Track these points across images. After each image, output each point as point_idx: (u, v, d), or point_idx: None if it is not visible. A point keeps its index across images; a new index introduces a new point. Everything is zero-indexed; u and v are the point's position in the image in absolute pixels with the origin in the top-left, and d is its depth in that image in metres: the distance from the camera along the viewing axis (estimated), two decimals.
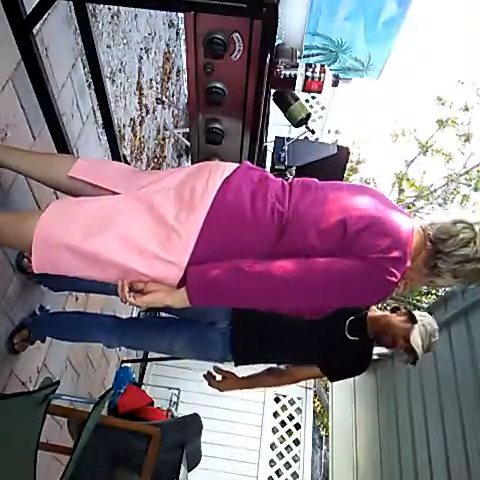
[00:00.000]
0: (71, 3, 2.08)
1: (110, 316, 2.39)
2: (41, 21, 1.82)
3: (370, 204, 1.43)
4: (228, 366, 2.23)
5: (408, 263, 1.35)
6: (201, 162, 1.61)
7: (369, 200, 1.44)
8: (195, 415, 2.93)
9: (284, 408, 5.56)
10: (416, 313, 2.12)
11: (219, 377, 2.26)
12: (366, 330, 2.12)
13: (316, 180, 1.55)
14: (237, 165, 1.53)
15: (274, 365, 2.35)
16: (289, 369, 2.30)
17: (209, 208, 1.38)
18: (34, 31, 1.78)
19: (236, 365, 2.22)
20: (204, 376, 2.23)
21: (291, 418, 5.54)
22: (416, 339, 2.02)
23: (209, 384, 2.25)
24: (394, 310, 2.18)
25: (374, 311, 2.15)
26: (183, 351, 2.21)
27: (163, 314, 2.43)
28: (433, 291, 8.75)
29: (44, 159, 1.79)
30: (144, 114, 3.78)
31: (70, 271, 1.44)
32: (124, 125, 3.34)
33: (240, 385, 2.30)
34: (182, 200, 1.43)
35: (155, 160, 4.36)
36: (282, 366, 2.33)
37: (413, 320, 2.07)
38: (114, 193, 1.52)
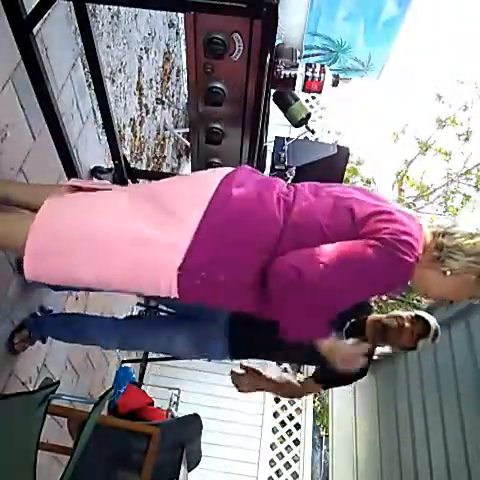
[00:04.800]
0: (71, 3, 2.08)
1: (110, 318, 2.39)
2: (41, 21, 1.81)
3: (375, 199, 1.45)
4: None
5: (420, 250, 1.33)
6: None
7: (373, 197, 1.47)
8: (195, 415, 2.93)
9: (284, 408, 5.56)
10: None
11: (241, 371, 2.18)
12: (363, 333, 2.08)
13: (318, 183, 1.55)
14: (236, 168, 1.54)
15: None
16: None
17: (213, 194, 1.37)
18: (34, 31, 1.78)
19: (232, 358, 2.21)
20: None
21: (291, 418, 5.54)
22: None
23: (233, 381, 2.17)
24: None
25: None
26: (183, 348, 2.20)
27: (162, 314, 2.43)
28: None
29: (40, 189, 1.77)
30: (144, 114, 3.78)
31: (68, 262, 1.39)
32: (124, 125, 3.33)
33: (262, 384, 2.24)
34: (183, 188, 1.44)
35: (155, 160, 4.36)
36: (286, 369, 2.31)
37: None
38: None
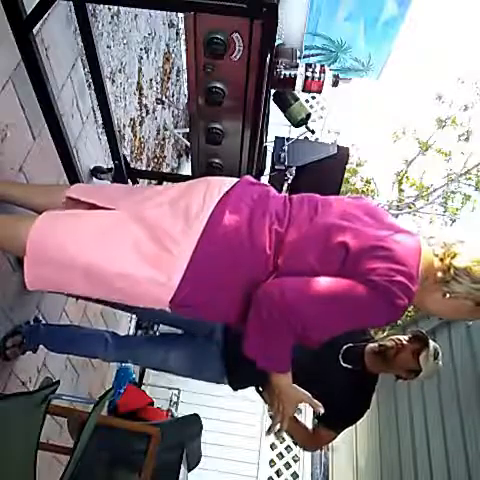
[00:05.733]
0: (71, 3, 2.08)
1: (107, 331, 2.41)
2: (41, 21, 1.81)
3: (372, 227, 1.39)
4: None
5: (415, 287, 1.29)
6: (199, 178, 1.58)
7: (371, 223, 1.41)
8: (195, 415, 2.92)
9: None
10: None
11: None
12: (363, 362, 2.07)
13: (317, 197, 1.51)
14: (236, 180, 1.50)
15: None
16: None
17: (204, 227, 1.35)
18: (34, 31, 1.78)
19: (235, 389, 2.21)
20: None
21: None
22: (427, 357, 1.98)
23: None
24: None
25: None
26: (179, 364, 2.20)
27: (162, 326, 2.45)
28: None
29: (41, 188, 1.84)
30: (144, 114, 3.78)
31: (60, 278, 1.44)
32: (124, 125, 3.34)
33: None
34: (177, 216, 1.40)
35: (155, 160, 4.36)
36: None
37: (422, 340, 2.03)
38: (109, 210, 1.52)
